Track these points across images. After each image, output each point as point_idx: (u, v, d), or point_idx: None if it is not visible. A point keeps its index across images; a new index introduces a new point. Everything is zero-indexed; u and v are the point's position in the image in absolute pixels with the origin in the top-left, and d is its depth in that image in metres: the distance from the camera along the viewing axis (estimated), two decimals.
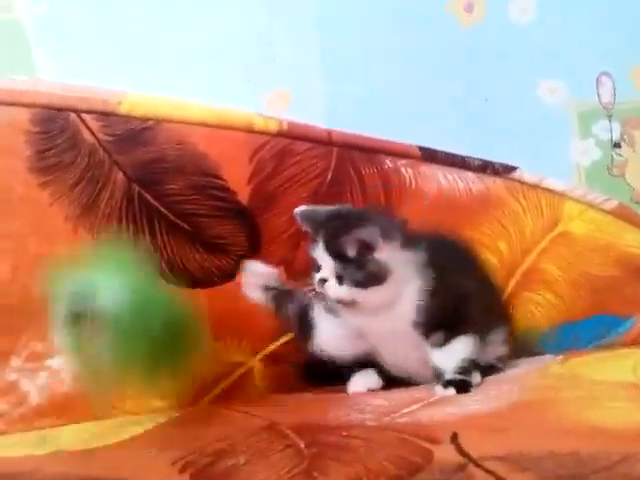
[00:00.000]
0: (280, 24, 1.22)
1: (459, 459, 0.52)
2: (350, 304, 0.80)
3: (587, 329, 1.07)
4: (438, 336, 0.81)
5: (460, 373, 0.80)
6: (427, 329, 0.80)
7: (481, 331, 0.84)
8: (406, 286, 0.80)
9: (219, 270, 0.93)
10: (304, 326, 0.87)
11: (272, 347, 0.96)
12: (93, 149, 0.88)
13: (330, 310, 0.85)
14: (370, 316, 0.81)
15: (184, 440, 0.68)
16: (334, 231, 0.80)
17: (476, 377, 0.83)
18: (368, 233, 0.78)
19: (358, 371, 0.88)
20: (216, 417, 0.80)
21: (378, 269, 0.78)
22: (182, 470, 0.57)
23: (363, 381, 0.87)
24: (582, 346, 1.04)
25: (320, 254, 0.80)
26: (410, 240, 0.82)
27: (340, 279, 0.78)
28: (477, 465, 0.50)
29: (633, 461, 0.48)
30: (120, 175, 0.89)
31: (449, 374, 0.80)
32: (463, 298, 0.82)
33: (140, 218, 0.89)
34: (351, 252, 0.78)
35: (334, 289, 0.79)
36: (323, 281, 0.80)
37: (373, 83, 1.24)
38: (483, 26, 1.27)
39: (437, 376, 0.81)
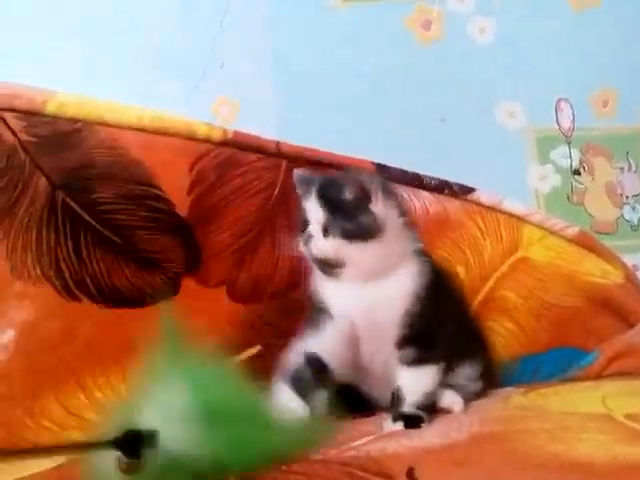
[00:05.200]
0: (230, 29, 1.16)
1: None
2: (336, 267, 0.74)
3: (549, 362, 1.03)
4: (409, 352, 0.75)
5: (417, 407, 0.73)
6: (406, 338, 0.74)
7: (450, 362, 0.79)
8: (400, 262, 0.75)
9: (152, 288, 0.84)
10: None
11: None
12: (13, 150, 0.79)
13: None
14: (358, 292, 0.74)
15: None
16: (332, 177, 0.76)
17: (459, 402, 0.78)
18: (369, 180, 0.74)
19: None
20: None
21: (370, 221, 0.73)
22: None
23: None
24: (543, 379, 1.00)
25: (309, 205, 0.75)
26: (410, 223, 0.78)
27: (326, 231, 0.73)
28: None
29: None
30: (43, 180, 0.80)
31: (407, 406, 0.73)
32: (445, 320, 0.77)
33: (64, 228, 0.80)
34: (347, 194, 0.73)
35: (319, 244, 0.73)
36: (308, 237, 0.74)
37: (326, 95, 1.20)
38: (441, 45, 1.24)
39: (395, 402, 0.74)
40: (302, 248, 0.75)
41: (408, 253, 0.76)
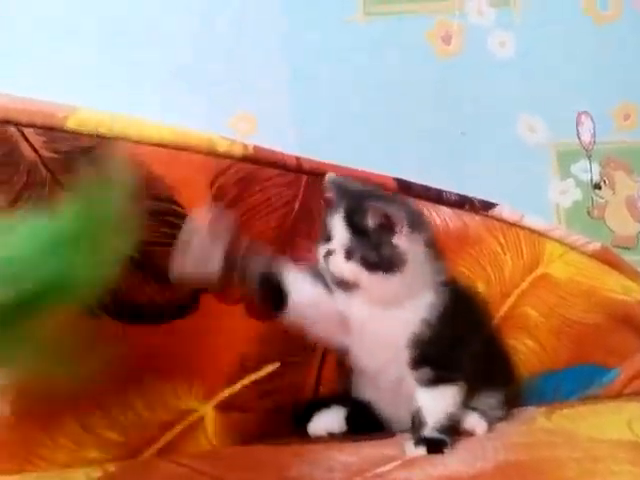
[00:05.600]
0: (247, 43, 1.15)
1: None
2: (351, 287, 0.73)
3: (569, 379, 1.02)
4: (425, 372, 0.73)
5: (439, 430, 0.71)
6: (418, 358, 0.73)
7: (471, 386, 0.77)
8: (417, 294, 0.73)
9: (170, 305, 0.83)
10: (270, 290, 0.77)
11: (228, 392, 0.85)
12: (33, 167, 0.79)
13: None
14: (367, 310, 0.74)
15: None
16: (360, 199, 0.73)
17: (482, 425, 0.77)
18: (395, 211, 0.71)
19: (321, 410, 0.83)
20: (157, 473, 0.70)
21: (393, 254, 0.71)
22: None
23: (325, 423, 0.82)
24: (564, 397, 1.00)
25: (336, 222, 0.74)
26: (438, 253, 0.76)
27: (349, 254, 0.72)
28: None
29: None
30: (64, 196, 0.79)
31: (428, 429, 0.71)
32: (463, 341, 0.75)
33: None
34: (371, 223, 0.71)
35: (339, 264, 0.72)
36: (329, 253, 0.73)
37: (345, 110, 1.19)
38: (461, 58, 1.23)
39: (416, 425, 0.73)
40: (321, 260, 0.74)
41: (427, 285, 0.75)
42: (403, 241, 0.72)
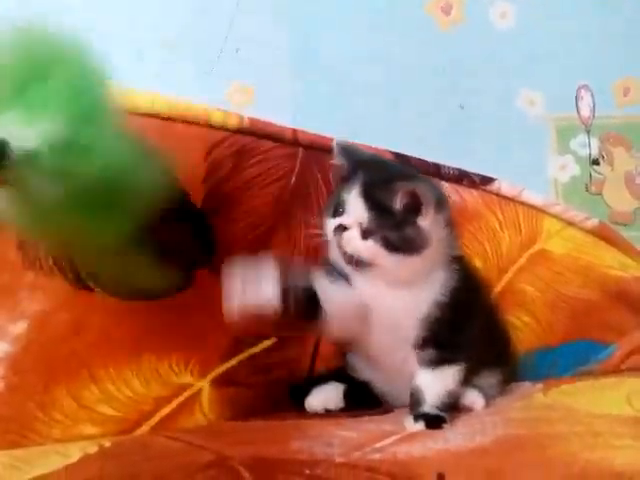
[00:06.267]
0: (246, 13, 1.13)
1: None
2: (366, 266, 0.69)
3: (566, 355, 1.02)
4: (429, 353, 0.72)
5: (438, 408, 0.71)
6: (425, 339, 0.71)
7: (472, 366, 0.75)
8: (431, 274, 0.70)
9: (166, 280, 0.82)
10: (310, 305, 0.72)
11: (224, 367, 0.85)
12: None
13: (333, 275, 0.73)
14: (379, 290, 0.70)
15: (111, 478, 0.57)
16: (382, 175, 0.69)
17: (480, 401, 0.76)
18: (426, 191, 0.67)
19: (319, 386, 0.81)
20: (155, 448, 0.69)
21: (416, 236, 0.67)
22: None
23: (322, 399, 0.80)
24: (560, 373, 0.99)
25: (352, 198, 0.69)
26: (454, 232, 0.73)
27: (367, 233, 0.67)
28: None
29: None
30: None
31: (427, 406, 0.71)
32: (468, 321, 0.73)
33: None
34: (397, 204, 0.66)
35: (355, 242, 0.67)
36: (342, 228, 0.68)
37: (344, 82, 1.17)
38: (461, 29, 1.21)
39: (415, 402, 0.72)
40: (330, 234, 0.71)
41: (442, 261, 0.72)
42: (427, 222, 0.68)
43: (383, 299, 0.71)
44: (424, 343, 0.71)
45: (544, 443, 0.58)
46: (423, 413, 0.70)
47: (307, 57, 1.16)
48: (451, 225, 0.73)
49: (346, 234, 0.68)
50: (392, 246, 0.67)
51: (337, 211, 0.70)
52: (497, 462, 0.53)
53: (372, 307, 0.72)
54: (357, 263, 0.69)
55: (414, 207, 0.67)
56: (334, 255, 0.74)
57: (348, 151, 0.75)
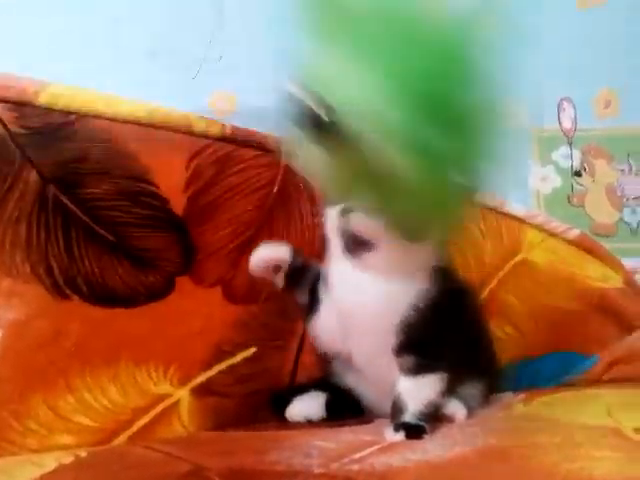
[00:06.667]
0: (229, 20, 1.12)
1: None
2: (365, 251, 0.69)
3: (547, 366, 1.02)
4: (408, 360, 0.71)
5: (419, 417, 0.70)
6: (403, 344, 0.71)
7: (454, 376, 0.75)
8: (419, 270, 0.70)
9: (145, 287, 0.81)
10: (311, 304, 0.77)
11: (204, 376, 0.84)
12: (2, 142, 0.76)
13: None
14: (363, 283, 0.71)
15: None
16: None
17: (462, 411, 0.76)
18: None
19: (300, 395, 0.82)
20: (131, 458, 0.68)
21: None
22: None
23: (303, 408, 0.81)
24: (541, 384, 0.99)
25: None
26: None
27: None
28: None
29: None
30: (33, 174, 0.76)
31: (409, 415, 0.70)
32: (449, 329, 0.72)
33: (54, 224, 0.77)
34: None
35: (364, 220, 0.67)
36: (349, 210, 0.68)
37: None
38: None
39: (397, 410, 0.71)
40: (335, 219, 0.71)
41: (427, 265, 0.72)
42: None
43: (363, 294, 0.71)
44: (403, 349, 0.71)
45: (525, 454, 0.57)
46: (403, 422, 0.70)
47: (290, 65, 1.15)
48: None
49: (353, 214, 0.68)
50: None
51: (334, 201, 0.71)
52: (477, 473, 0.53)
53: (351, 309, 0.73)
54: (359, 244, 0.69)
55: None
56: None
57: None
